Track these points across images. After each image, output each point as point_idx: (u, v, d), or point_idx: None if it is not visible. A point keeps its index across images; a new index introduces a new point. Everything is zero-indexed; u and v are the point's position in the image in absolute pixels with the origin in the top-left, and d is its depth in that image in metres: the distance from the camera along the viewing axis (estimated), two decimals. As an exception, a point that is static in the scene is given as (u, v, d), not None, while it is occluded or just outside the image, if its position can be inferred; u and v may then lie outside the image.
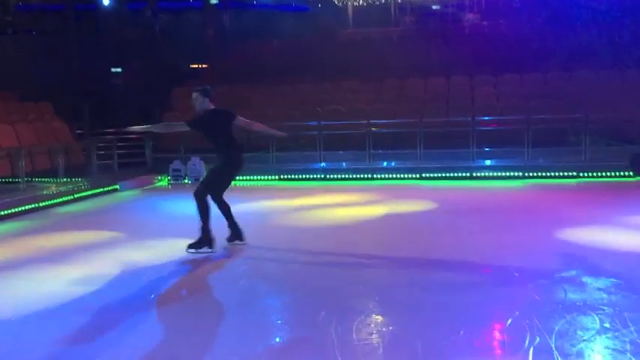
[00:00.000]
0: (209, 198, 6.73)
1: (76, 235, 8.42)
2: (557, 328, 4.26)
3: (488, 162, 13.36)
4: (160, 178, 14.37)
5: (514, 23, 19.95)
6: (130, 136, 15.63)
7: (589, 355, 3.86)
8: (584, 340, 4.08)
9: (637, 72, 14.74)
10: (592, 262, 6.14)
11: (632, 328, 4.22)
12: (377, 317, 4.81)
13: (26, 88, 16.39)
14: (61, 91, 16.99)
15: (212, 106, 6.91)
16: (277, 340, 4.41)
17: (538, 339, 4.08)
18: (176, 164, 14.27)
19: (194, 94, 6.84)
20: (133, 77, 20.13)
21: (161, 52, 21.14)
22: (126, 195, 12.45)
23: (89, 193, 11.98)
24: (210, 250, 6.65)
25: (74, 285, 5.78)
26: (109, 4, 20.36)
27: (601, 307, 4.72)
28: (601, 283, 5.37)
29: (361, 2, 24.32)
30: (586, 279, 5.50)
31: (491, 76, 16.04)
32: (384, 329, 4.56)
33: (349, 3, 24.21)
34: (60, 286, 5.79)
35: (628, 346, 3.93)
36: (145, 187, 13.51)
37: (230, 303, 5.22)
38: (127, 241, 7.80)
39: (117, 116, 17.80)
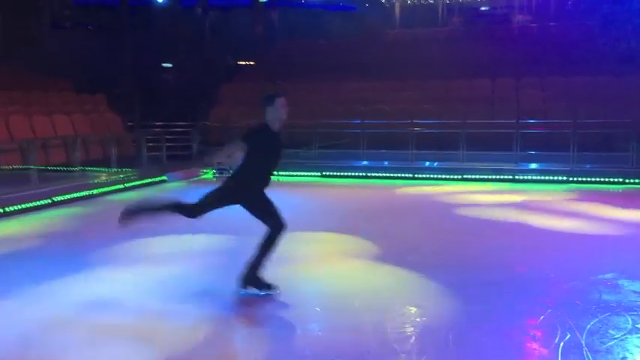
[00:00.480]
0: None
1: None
2: (588, 327, 4.34)
3: (532, 165, 13.27)
4: (205, 170, 14.78)
5: (564, 26, 19.64)
6: (177, 129, 16.21)
7: (618, 353, 3.92)
8: (615, 339, 4.15)
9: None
10: (630, 265, 6.13)
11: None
12: (411, 308, 4.96)
13: (81, 80, 17.06)
14: (115, 84, 17.63)
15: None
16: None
17: (569, 335, 4.18)
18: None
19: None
20: (182, 72, 20.70)
21: (210, 49, 21.66)
22: (173, 186, 12.88)
23: (138, 183, 12.43)
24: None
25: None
26: (163, 0, 21.00)
27: (635, 308, 4.75)
28: (637, 286, 5.38)
29: (409, 2, 24.32)
30: (622, 282, 5.51)
31: (537, 78, 15.87)
32: (417, 319, 4.71)
33: (396, 3, 24.25)
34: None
35: (659, 347, 3.99)
36: (191, 179, 13.92)
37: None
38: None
39: (166, 109, 18.40)
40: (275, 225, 5.05)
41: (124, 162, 13.05)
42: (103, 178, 11.85)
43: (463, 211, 9.36)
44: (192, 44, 20.98)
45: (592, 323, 4.42)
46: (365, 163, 14.42)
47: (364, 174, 14.01)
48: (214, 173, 14.64)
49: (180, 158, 15.23)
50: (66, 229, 8.41)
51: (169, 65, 21.70)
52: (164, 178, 13.24)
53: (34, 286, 5.49)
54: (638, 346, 4.02)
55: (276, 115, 5.21)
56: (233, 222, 6.28)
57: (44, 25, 20.02)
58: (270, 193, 5.26)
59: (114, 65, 19.48)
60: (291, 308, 4.90)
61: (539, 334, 4.29)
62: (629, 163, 12.52)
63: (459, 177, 13.16)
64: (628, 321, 4.48)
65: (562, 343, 4.05)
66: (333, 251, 6.91)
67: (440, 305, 4.96)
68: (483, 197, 10.92)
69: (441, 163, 13.76)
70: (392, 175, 13.69)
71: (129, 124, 16.23)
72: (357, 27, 22.82)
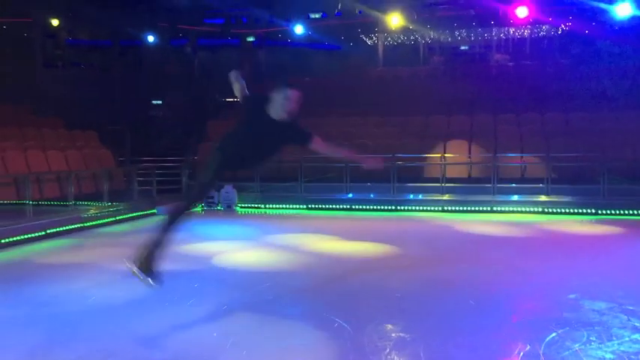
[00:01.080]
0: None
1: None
2: (547, 339, 4.79)
3: (511, 197, 13.85)
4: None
5: (539, 64, 20.56)
6: (167, 164, 16.69)
7: (571, 361, 4.38)
8: (570, 349, 4.60)
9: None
10: (592, 287, 6.60)
11: (615, 342, 4.72)
12: (387, 325, 5.38)
13: (73, 117, 17.53)
14: (106, 121, 18.12)
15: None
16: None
17: (528, 346, 4.63)
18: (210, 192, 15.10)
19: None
20: (171, 109, 21.28)
21: (199, 87, 22.29)
22: (162, 218, 13.23)
23: (130, 215, 12.82)
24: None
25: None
26: (153, 40, 21.66)
27: (592, 324, 5.22)
28: (597, 305, 5.84)
29: (391, 42, 25.24)
30: (583, 302, 5.98)
31: (514, 114, 16.60)
32: (392, 334, 5.13)
33: (380, 42, 25.16)
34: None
35: (608, 355, 4.44)
36: (180, 213, 14.31)
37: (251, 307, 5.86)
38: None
39: (156, 145, 18.90)
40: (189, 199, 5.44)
41: (116, 196, 13.46)
42: (96, 211, 12.23)
43: (444, 237, 9.85)
44: (181, 82, 21.61)
45: (551, 336, 4.87)
46: (350, 195, 14.92)
47: (349, 206, 14.50)
48: (203, 207, 15.05)
49: (170, 192, 15.66)
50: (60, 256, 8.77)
51: (159, 102, 22.30)
52: (154, 211, 13.63)
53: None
54: (590, 356, 4.47)
55: (284, 103, 5.17)
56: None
57: (37, 64, 20.57)
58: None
59: (105, 102, 20.03)
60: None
61: (501, 346, 4.73)
62: (601, 195, 13.14)
63: (440, 208, 13.72)
64: (584, 335, 4.93)
65: (522, 353, 4.50)
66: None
67: (412, 322, 5.38)
68: (464, 227, 11.42)
69: (417, 196, 14.35)
70: (376, 207, 14.20)
71: (120, 159, 16.67)
72: (342, 65, 23.62)
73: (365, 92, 19.16)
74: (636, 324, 5.21)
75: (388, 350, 4.59)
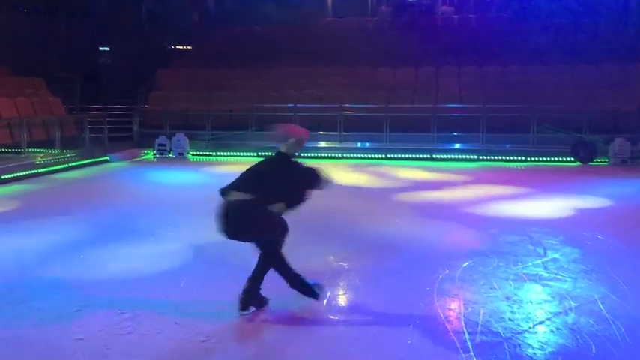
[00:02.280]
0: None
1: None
2: (464, 265, 5.61)
3: (448, 145, 14.72)
4: (146, 151, 15.49)
5: (482, 18, 21.23)
6: (118, 112, 16.81)
7: (481, 280, 5.20)
8: (481, 272, 5.43)
9: (586, 68, 16.13)
10: (511, 224, 7.49)
11: (519, 266, 5.58)
12: (330, 257, 6.08)
13: (19, 63, 17.25)
14: (53, 68, 17.89)
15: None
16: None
17: (447, 270, 5.43)
18: (161, 139, 15.40)
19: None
20: (120, 56, 21.05)
21: (147, 34, 22.05)
22: (115, 166, 13.56)
23: (82, 162, 13.06)
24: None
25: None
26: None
27: (503, 254, 6.07)
28: (510, 237, 6.71)
29: (341, -8, 25.35)
30: (500, 235, 6.84)
31: (455, 67, 17.32)
32: (333, 264, 5.83)
33: (329, -8, 25.24)
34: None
35: (511, 276, 5.29)
36: (132, 160, 14.63)
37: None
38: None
39: (105, 93, 18.84)
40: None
41: (67, 143, 13.65)
42: (48, 158, 12.43)
43: (385, 182, 10.62)
44: (129, 29, 21.32)
45: (467, 263, 5.69)
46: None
47: (298, 154, 15.10)
48: (155, 154, 15.38)
49: (121, 140, 15.89)
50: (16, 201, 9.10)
51: (107, 49, 21.99)
52: (107, 158, 13.90)
53: None
54: (497, 277, 5.29)
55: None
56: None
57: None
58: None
59: (51, 49, 19.67)
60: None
61: (424, 271, 5.51)
62: (530, 144, 14.17)
63: (383, 156, 14.51)
64: (495, 261, 5.76)
65: (440, 276, 5.29)
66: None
67: (351, 254, 6.10)
68: (404, 173, 12.22)
69: (368, 144, 15.08)
70: (323, 155, 14.85)
71: (69, 107, 16.65)
72: (291, 15, 23.65)
73: (314, 42, 19.44)
74: (540, 251, 6.09)
75: (329, 276, 5.28)
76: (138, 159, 14.93)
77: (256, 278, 4.40)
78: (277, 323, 4.31)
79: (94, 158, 13.50)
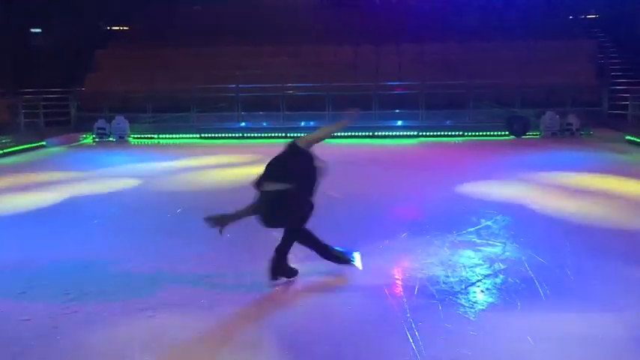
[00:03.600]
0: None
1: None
2: (403, 236, 5.87)
3: (389, 122, 15.05)
4: (85, 135, 15.16)
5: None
6: (54, 95, 16.31)
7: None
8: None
9: (519, 46, 16.72)
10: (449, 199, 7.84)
11: (454, 234, 5.88)
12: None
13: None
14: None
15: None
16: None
17: (387, 241, 5.68)
18: (100, 123, 15.11)
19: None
20: (53, 38, 20.32)
21: (82, 14, 21.36)
22: (53, 151, 13.24)
23: (17, 148, 12.71)
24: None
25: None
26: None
27: (439, 223, 6.37)
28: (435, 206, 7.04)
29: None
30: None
31: (395, 45, 17.63)
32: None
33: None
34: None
35: (446, 243, 5.58)
36: (71, 144, 14.31)
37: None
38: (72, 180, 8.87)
39: (39, 76, 18.21)
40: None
41: (1, 128, 13.21)
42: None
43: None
44: (62, 9, 20.58)
45: (405, 234, 5.95)
46: (243, 124, 15.50)
47: (242, 134, 15.12)
48: (94, 138, 15.08)
49: (58, 124, 15.47)
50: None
51: (38, 30, 21.18)
52: (43, 143, 13.56)
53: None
54: (435, 245, 5.57)
55: None
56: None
57: None
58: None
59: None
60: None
61: (365, 245, 5.74)
62: (467, 119, 14.67)
63: (326, 135, 14.67)
64: (432, 230, 6.04)
65: (381, 246, 5.53)
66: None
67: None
68: (352, 150, 12.47)
69: (312, 122, 15.21)
70: (267, 135, 14.91)
71: (0, 91, 16.06)
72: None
73: (256, 22, 19.33)
74: (474, 220, 6.41)
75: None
76: (76, 143, 14.62)
77: (281, 250, 4.56)
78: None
79: (29, 143, 13.14)
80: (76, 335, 3.75)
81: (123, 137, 15.05)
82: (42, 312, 4.08)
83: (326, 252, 4.76)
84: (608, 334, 3.66)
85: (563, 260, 4.99)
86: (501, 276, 4.70)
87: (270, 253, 4.59)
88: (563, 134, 13.93)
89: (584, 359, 3.42)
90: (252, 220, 4.59)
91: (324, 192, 6.22)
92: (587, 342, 3.57)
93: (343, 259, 4.85)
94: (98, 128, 15.08)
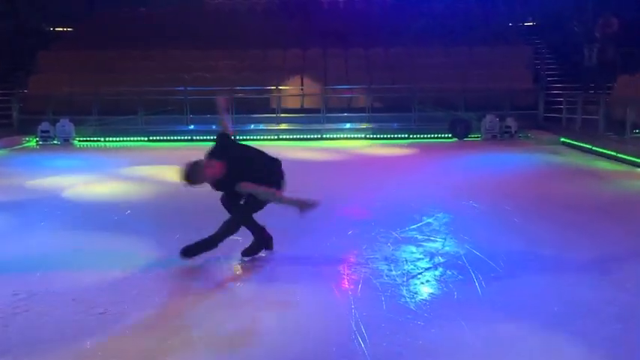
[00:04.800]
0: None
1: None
2: (349, 233, 6.10)
3: (338, 125, 15.32)
4: (28, 139, 14.82)
5: (367, 2, 22.03)
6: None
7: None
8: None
9: (461, 51, 17.31)
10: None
11: (398, 231, 6.15)
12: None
13: None
14: None
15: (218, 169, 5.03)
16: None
17: (334, 238, 5.89)
18: (44, 125, 14.79)
19: (187, 184, 4.96)
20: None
21: (23, 14, 20.83)
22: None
23: (-44, 152, 12.34)
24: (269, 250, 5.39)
25: None
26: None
27: (383, 221, 6.63)
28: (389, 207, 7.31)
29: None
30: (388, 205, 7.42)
31: (342, 49, 17.94)
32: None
33: (217, -26, 25.05)
34: None
35: (390, 240, 5.83)
36: (13, 147, 13.96)
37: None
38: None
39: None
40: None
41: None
42: None
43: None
44: (3, 9, 20.03)
45: (351, 231, 6.18)
46: (191, 127, 15.47)
47: (190, 137, 15.09)
48: (37, 141, 14.75)
49: (0, 127, 15.06)
50: None
51: (-23, 31, 20.50)
52: (-17, 146, 13.20)
53: None
54: (379, 241, 5.81)
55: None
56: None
57: None
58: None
59: None
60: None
61: (313, 242, 5.93)
62: (412, 122, 15.10)
63: (275, 137, 14.84)
64: (376, 228, 6.29)
65: (328, 243, 5.73)
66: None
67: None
68: (300, 154, 12.66)
69: (261, 125, 15.36)
70: (214, 138, 14.93)
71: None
72: (178, -4, 23.30)
73: (203, 25, 19.29)
74: (416, 218, 6.70)
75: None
76: (19, 146, 14.27)
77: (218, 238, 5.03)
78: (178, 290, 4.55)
79: (-32, 147, 12.78)
80: (29, 330, 3.80)
81: (68, 140, 14.77)
82: (-9, 312, 4.10)
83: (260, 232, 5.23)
84: (534, 316, 3.97)
85: (499, 256, 5.31)
86: (440, 269, 4.99)
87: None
88: (502, 137, 14.51)
89: (512, 339, 3.70)
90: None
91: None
92: (514, 326, 3.88)
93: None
94: (42, 131, 14.75)
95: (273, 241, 5.35)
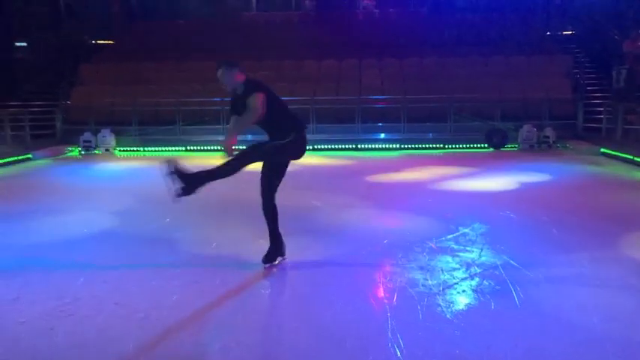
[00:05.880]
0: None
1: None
2: (385, 242, 6.11)
3: (372, 135, 15.35)
4: (70, 148, 15.25)
5: (401, 13, 22.06)
6: (38, 108, 16.40)
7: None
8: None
9: (497, 60, 17.18)
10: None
11: (434, 240, 6.13)
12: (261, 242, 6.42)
13: None
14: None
15: (243, 79, 5.25)
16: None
17: (369, 247, 5.91)
18: (87, 135, 15.21)
19: (219, 71, 5.23)
20: (38, 51, 20.41)
21: (66, 27, 21.50)
22: (39, 163, 13.31)
23: (4, 161, 12.75)
24: (282, 258, 5.42)
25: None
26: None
27: (420, 231, 6.61)
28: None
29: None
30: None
31: (377, 59, 17.98)
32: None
33: (253, -14, 25.42)
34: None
35: (425, 249, 5.82)
36: (57, 157, 14.38)
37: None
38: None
39: (23, 89, 18.30)
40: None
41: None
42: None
43: (313, 172, 11.05)
44: (47, 23, 20.72)
45: (387, 240, 6.18)
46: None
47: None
48: (80, 151, 15.16)
49: (44, 137, 15.56)
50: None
51: (23, 44, 21.23)
52: (29, 156, 13.62)
53: None
54: (414, 251, 5.81)
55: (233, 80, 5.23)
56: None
57: None
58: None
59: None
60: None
61: (350, 252, 5.96)
62: (447, 132, 15.01)
63: (311, 147, 14.90)
64: (412, 237, 6.29)
65: (364, 252, 5.76)
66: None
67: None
68: (334, 161, 12.72)
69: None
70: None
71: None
72: (215, 9, 23.70)
73: (239, 36, 19.60)
74: (452, 228, 6.67)
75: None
76: (62, 156, 14.69)
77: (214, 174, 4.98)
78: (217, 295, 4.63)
79: (15, 156, 13.20)
80: (72, 335, 3.92)
81: (109, 150, 15.16)
82: (37, 315, 4.24)
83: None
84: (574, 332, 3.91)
85: (537, 267, 5.24)
86: (477, 279, 4.95)
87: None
88: (540, 147, 14.31)
89: (550, 352, 3.66)
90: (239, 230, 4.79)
91: (309, 201, 6.46)
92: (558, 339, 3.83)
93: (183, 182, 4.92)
94: (84, 141, 15.17)
95: (311, 250, 5.40)
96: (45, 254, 5.87)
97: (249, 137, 15.41)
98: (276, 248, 5.35)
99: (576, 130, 15.16)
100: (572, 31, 20.20)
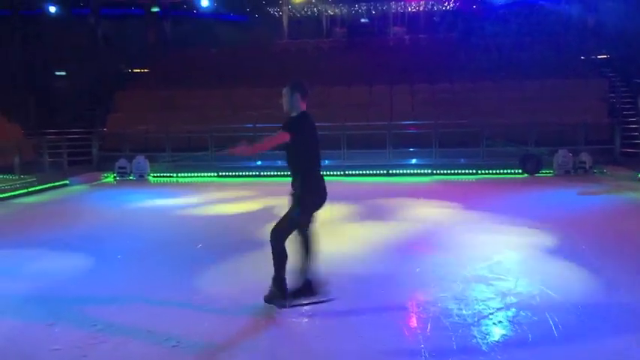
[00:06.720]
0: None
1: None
2: (417, 271, 6.02)
3: (403, 161, 15.27)
4: (106, 175, 15.55)
5: (432, 38, 22.14)
6: (75, 135, 16.81)
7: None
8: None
9: (530, 84, 17.02)
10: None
11: (468, 269, 6.01)
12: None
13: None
14: (7, 94, 17.81)
15: (299, 111, 5.15)
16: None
17: (402, 277, 5.83)
18: (122, 162, 15.49)
19: (286, 89, 5.15)
20: (76, 80, 21.04)
21: (103, 57, 22.12)
22: (76, 189, 13.59)
23: (41, 187, 13.06)
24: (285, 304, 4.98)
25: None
26: (55, 10, 21.16)
27: (452, 259, 6.50)
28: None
29: (296, 14, 26.01)
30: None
31: (408, 85, 17.98)
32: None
33: (284, 15, 25.87)
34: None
35: (459, 278, 5.71)
36: (93, 183, 14.67)
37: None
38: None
39: (61, 117, 18.81)
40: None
41: (26, 168, 13.63)
42: (8, 183, 12.41)
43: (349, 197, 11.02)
44: (84, 53, 21.36)
45: (419, 269, 6.09)
46: (259, 163, 15.79)
47: (258, 172, 15.41)
48: (115, 177, 15.45)
49: (81, 163, 15.91)
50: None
51: (62, 73, 21.91)
52: (66, 182, 13.93)
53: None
54: (448, 279, 5.71)
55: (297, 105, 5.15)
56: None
57: None
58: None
59: (5, 74, 19.56)
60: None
61: (382, 279, 5.89)
62: (480, 158, 14.84)
63: (342, 173, 14.92)
64: (445, 266, 6.19)
65: (397, 281, 5.67)
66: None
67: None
68: (364, 188, 12.67)
69: (327, 161, 15.46)
70: (284, 173, 15.17)
71: (24, 132, 16.61)
72: (247, 37, 24.14)
73: (271, 64, 19.89)
74: (486, 255, 6.54)
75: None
76: (98, 182, 14.98)
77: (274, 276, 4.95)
78: (246, 324, 4.60)
79: (53, 182, 13.52)
80: (104, 363, 3.94)
81: (143, 176, 15.40)
82: (70, 342, 4.27)
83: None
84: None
85: (575, 297, 5.09)
86: (513, 309, 4.82)
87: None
88: (576, 172, 14.03)
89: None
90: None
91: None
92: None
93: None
94: (119, 167, 15.46)
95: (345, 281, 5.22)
96: (80, 280, 5.95)
97: (279, 163, 15.62)
98: (278, 289, 4.97)
99: (614, 155, 14.84)
100: (606, 54, 19.94)
